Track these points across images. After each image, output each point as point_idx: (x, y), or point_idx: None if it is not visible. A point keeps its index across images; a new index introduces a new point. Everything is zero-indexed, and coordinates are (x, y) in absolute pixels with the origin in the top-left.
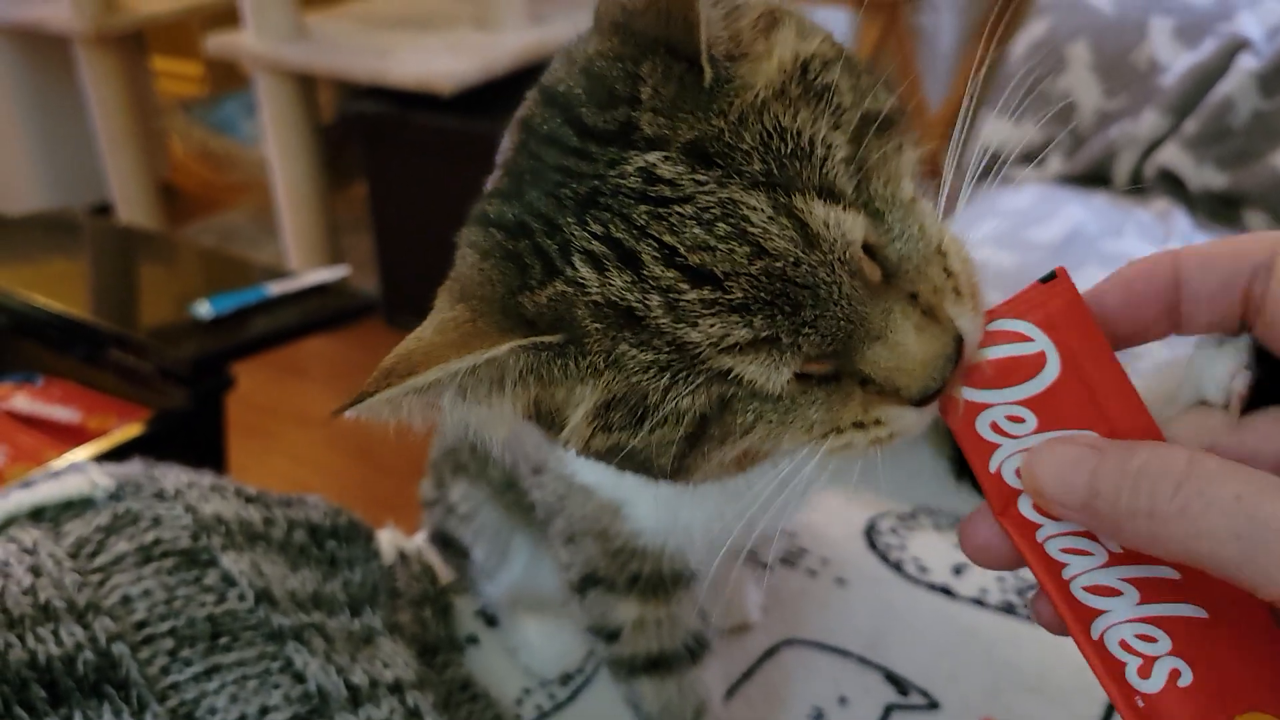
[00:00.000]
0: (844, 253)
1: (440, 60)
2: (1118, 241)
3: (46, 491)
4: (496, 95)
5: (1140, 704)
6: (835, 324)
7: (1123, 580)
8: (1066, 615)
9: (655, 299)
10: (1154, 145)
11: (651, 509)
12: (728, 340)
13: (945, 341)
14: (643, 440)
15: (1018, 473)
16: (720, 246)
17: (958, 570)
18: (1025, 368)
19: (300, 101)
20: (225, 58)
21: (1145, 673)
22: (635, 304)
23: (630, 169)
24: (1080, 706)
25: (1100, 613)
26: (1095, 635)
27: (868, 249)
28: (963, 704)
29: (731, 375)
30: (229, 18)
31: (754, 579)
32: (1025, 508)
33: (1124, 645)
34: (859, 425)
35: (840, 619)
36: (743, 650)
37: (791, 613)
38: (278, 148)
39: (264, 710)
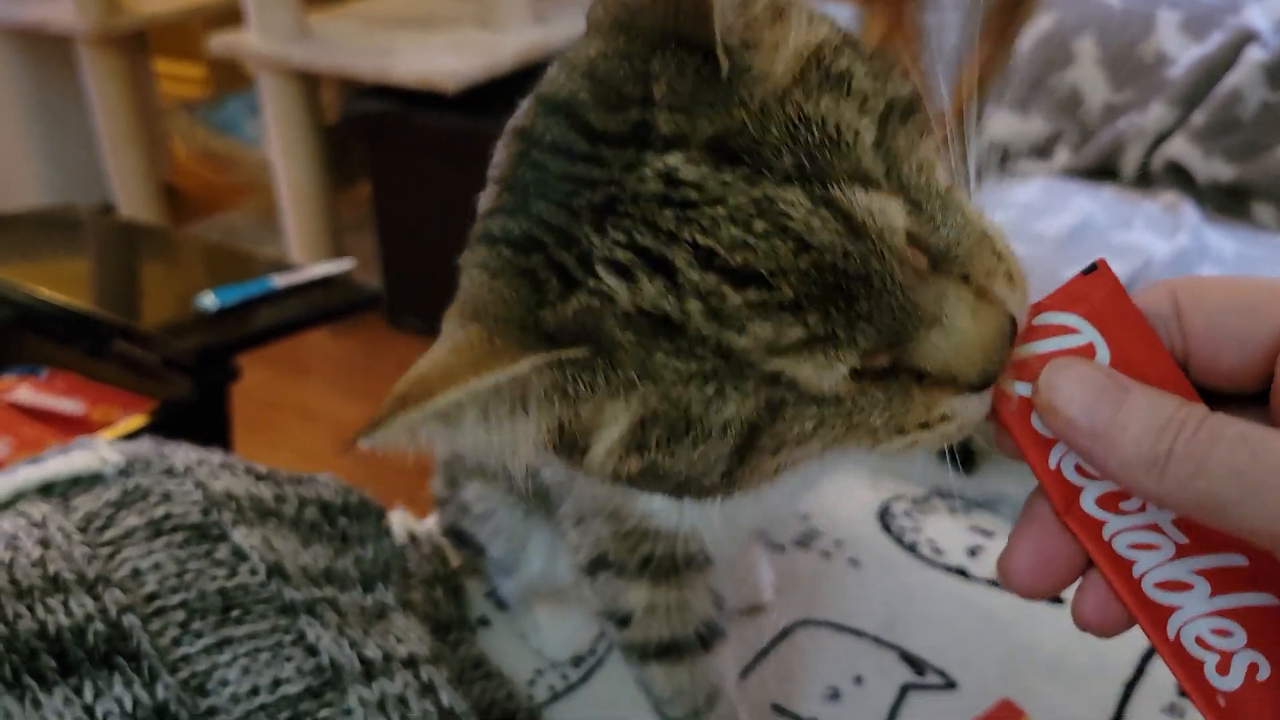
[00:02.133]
0: (891, 239)
1: (443, 59)
2: (1126, 233)
3: (55, 467)
4: (500, 94)
5: (1222, 703)
6: (889, 315)
7: (1193, 573)
8: (1141, 616)
9: (695, 305)
10: (1162, 138)
11: None
12: (781, 341)
13: (1002, 321)
14: (684, 459)
15: (1078, 469)
16: (761, 244)
17: (973, 552)
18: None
19: (303, 101)
20: (228, 57)
21: (1224, 669)
22: (672, 311)
23: (649, 172)
24: (1098, 688)
25: (1174, 609)
26: (1171, 635)
27: (910, 237)
28: (979, 685)
29: (783, 379)
30: (232, 19)
31: (767, 560)
32: (1089, 504)
33: (1200, 642)
34: (924, 425)
35: (855, 600)
36: (757, 631)
37: (806, 594)
38: (281, 148)
39: (276, 682)
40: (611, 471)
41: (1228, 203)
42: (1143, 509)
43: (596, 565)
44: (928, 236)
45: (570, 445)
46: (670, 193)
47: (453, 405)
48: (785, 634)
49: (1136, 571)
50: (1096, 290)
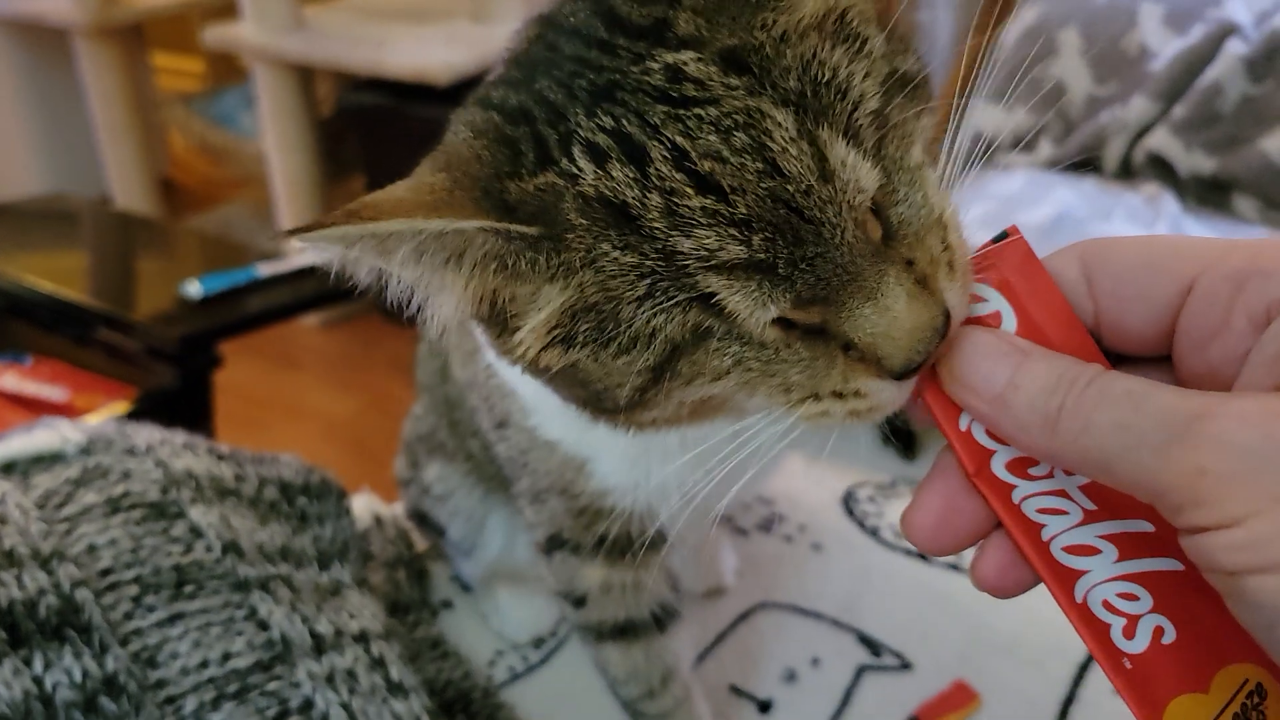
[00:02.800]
0: (854, 198)
1: (437, 51)
2: (1106, 225)
3: (17, 445)
4: None
5: (1128, 665)
6: (832, 268)
7: (1100, 538)
8: (1049, 579)
9: (655, 199)
10: (1143, 130)
11: (617, 465)
12: (721, 255)
13: (934, 314)
14: (604, 363)
15: (989, 433)
16: (733, 159)
17: None
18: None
19: (298, 94)
20: (223, 49)
21: (1130, 633)
22: (632, 201)
23: (656, 66)
24: (1053, 668)
25: (1082, 573)
26: (1079, 598)
27: (873, 207)
28: (935, 665)
29: (714, 301)
30: (228, 12)
31: (729, 544)
32: (999, 468)
33: (1107, 606)
34: (838, 395)
35: (815, 583)
36: (717, 613)
37: (767, 577)
38: (276, 140)
39: (226, 655)
40: (532, 359)
41: (1209, 195)
42: (1051, 475)
43: (553, 544)
44: (888, 209)
45: (499, 320)
46: (670, 87)
47: (390, 233)
48: (745, 616)
49: (1045, 535)
50: (1006, 258)
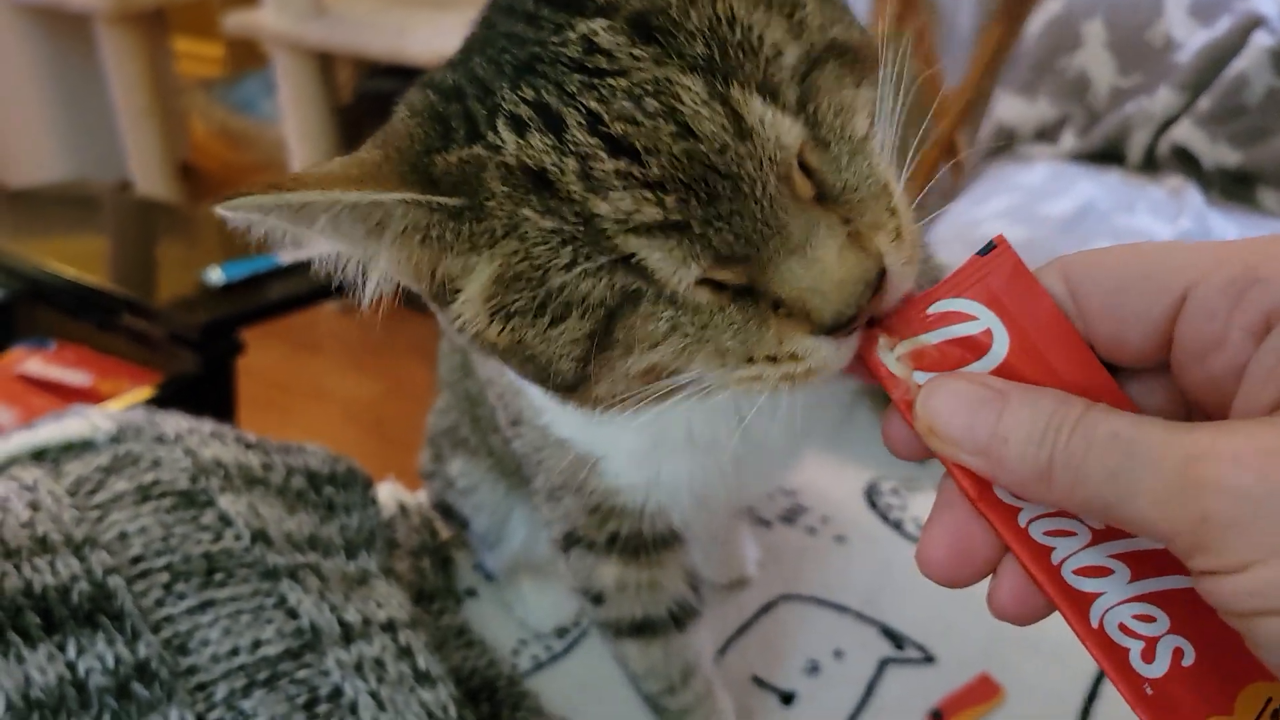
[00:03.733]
0: (775, 153)
1: (457, 38)
2: (1130, 218)
3: (48, 433)
4: None
5: (1149, 691)
6: (752, 224)
7: (1111, 558)
8: (1063, 605)
9: (571, 163)
10: (1168, 123)
11: (627, 463)
12: (636, 217)
13: (867, 266)
14: (542, 334)
15: None
16: (645, 122)
17: None
18: (974, 347)
19: (318, 80)
20: (244, 36)
21: (1149, 656)
22: (550, 166)
23: (573, 36)
24: (1076, 663)
25: (1096, 596)
26: (1095, 622)
27: (805, 168)
28: (958, 659)
29: (636, 262)
30: None
31: (751, 535)
32: (1001, 491)
33: (1124, 629)
34: (771, 359)
35: (839, 575)
36: (739, 605)
37: (790, 569)
38: (296, 126)
39: (256, 644)
40: (477, 334)
41: (1233, 188)
42: None
43: (569, 541)
44: (825, 173)
45: (443, 294)
46: (585, 59)
47: (304, 204)
48: (768, 608)
49: (1055, 559)
50: (995, 272)
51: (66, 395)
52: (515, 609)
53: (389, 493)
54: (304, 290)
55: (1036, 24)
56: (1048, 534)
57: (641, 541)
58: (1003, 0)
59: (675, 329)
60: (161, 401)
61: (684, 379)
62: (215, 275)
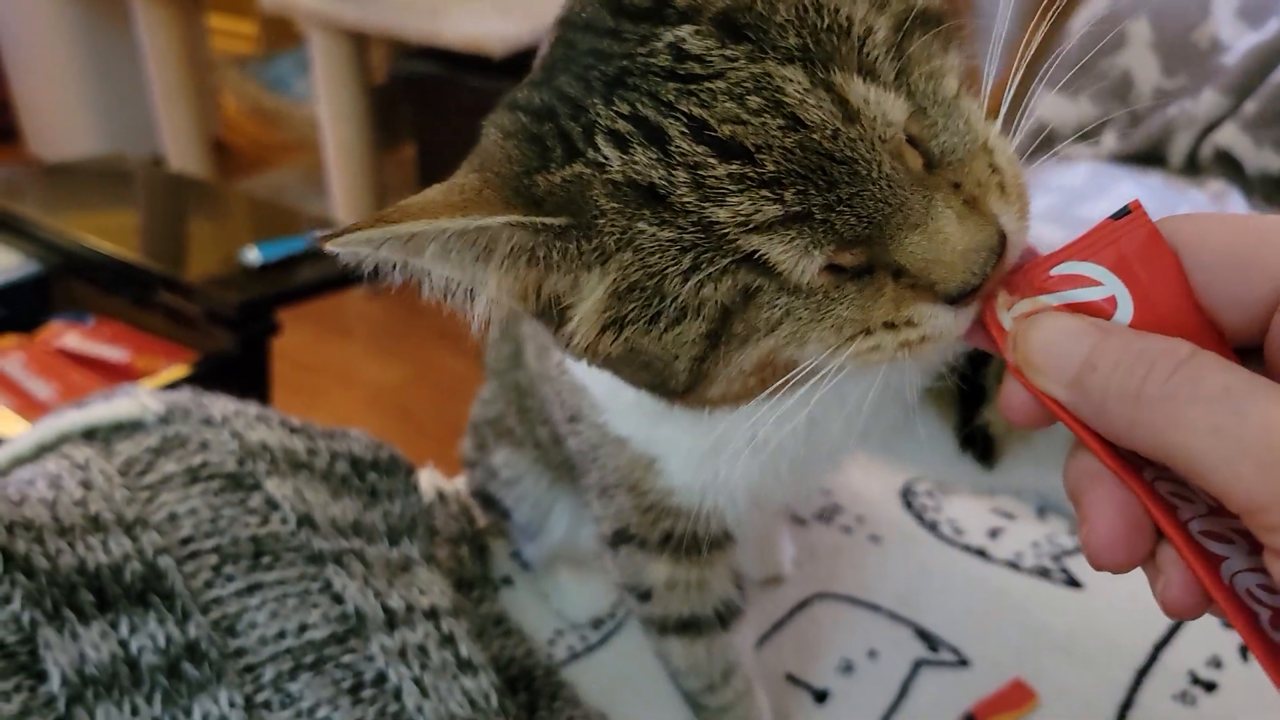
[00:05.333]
0: (885, 131)
1: (492, 22)
2: None
3: (99, 412)
4: None
5: None
6: (872, 205)
7: (1231, 530)
8: (1195, 562)
9: (681, 175)
10: (1212, 125)
11: (685, 464)
12: (757, 217)
13: (989, 233)
14: (658, 340)
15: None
16: (752, 120)
17: (993, 534)
18: (1096, 313)
19: (352, 60)
20: (280, 14)
21: (1277, 624)
22: (659, 180)
23: (660, 45)
24: (1109, 670)
25: (1224, 558)
26: (1226, 580)
27: (910, 139)
28: (992, 663)
29: (758, 259)
30: None
31: (788, 533)
32: (1124, 452)
33: (1250, 594)
34: (890, 326)
35: (874, 575)
36: (775, 602)
37: (826, 567)
38: (329, 107)
39: (303, 627)
40: (589, 347)
41: (1276, 194)
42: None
43: (619, 538)
44: (927, 140)
45: (551, 315)
46: (676, 66)
47: (414, 234)
48: (803, 605)
49: (1183, 516)
50: (1126, 238)
51: (104, 371)
52: (552, 599)
53: (428, 480)
54: (339, 273)
55: (1080, 22)
56: (1172, 494)
57: (694, 541)
58: None
59: (790, 313)
60: (197, 380)
61: (797, 372)
62: (252, 255)
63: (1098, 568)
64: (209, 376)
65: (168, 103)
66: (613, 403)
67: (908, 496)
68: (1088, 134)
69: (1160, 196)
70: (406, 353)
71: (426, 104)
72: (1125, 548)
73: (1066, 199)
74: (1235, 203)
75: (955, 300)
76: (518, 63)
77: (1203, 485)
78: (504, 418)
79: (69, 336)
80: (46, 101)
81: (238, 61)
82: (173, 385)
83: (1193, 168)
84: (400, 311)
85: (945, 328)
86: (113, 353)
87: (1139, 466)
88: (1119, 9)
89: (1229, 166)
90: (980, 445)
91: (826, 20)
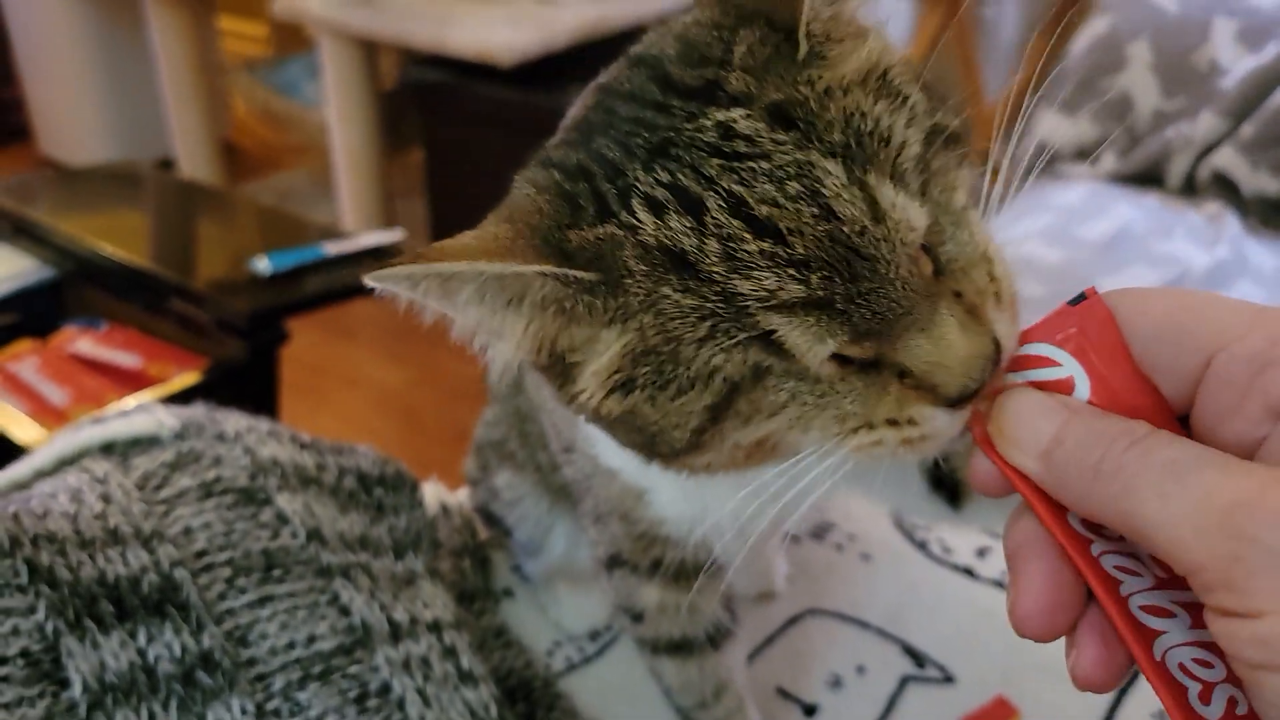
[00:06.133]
0: (906, 236)
1: (500, 32)
2: (1167, 243)
3: (117, 428)
4: (555, 69)
5: None
6: (886, 303)
7: (1173, 603)
8: (1129, 636)
9: (713, 245)
10: (1210, 148)
11: (674, 498)
12: (781, 294)
13: (986, 341)
14: (663, 406)
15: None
16: (789, 204)
17: (981, 553)
18: (1057, 391)
19: (362, 67)
20: (290, 20)
21: (1206, 698)
22: (690, 248)
23: (709, 123)
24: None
25: (1160, 633)
26: (1158, 656)
27: (923, 246)
28: (978, 680)
29: (774, 339)
30: None
31: (781, 550)
32: (1075, 521)
33: (1184, 669)
34: (892, 422)
35: (863, 592)
36: (767, 617)
37: (817, 584)
38: (338, 111)
39: (311, 639)
40: (594, 407)
41: (1272, 216)
42: (1122, 538)
43: (613, 562)
44: (936, 248)
45: (559, 370)
46: (723, 144)
47: (453, 273)
48: (794, 621)
49: (1124, 591)
50: (1083, 322)
51: (116, 376)
52: (550, 611)
53: (431, 493)
54: (348, 283)
55: (1081, 43)
56: (1118, 568)
57: (684, 568)
58: (1046, 12)
59: (794, 397)
60: (207, 387)
61: (794, 457)
62: (262, 264)
63: (1020, 634)
64: (219, 384)
65: (178, 104)
66: (604, 436)
67: (898, 516)
68: (1086, 154)
69: (1157, 217)
70: (412, 355)
71: (435, 110)
72: (1048, 620)
73: (1065, 218)
74: (1231, 225)
75: (954, 404)
76: (525, 73)
77: (1150, 548)
78: (506, 441)
79: (82, 342)
80: (58, 101)
81: (248, 64)
82: (184, 392)
83: (1190, 189)
84: (406, 315)
85: (943, 428)
86: (125, 358)
87: (1088, 541)
88: (1120, 30)
89: (1225, 188)
90: (948, 488)
91: (870, 126)
